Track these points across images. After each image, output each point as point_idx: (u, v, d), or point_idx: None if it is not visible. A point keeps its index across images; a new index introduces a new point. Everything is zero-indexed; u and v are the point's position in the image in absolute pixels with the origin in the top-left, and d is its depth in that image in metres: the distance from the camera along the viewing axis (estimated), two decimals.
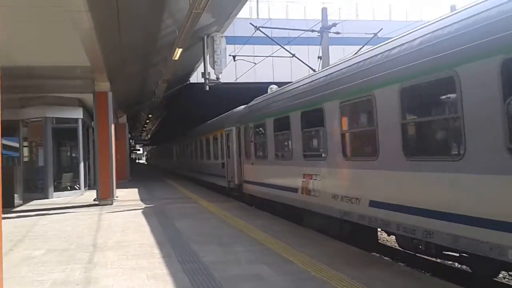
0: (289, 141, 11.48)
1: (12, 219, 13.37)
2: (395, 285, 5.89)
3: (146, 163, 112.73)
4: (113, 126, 17.34)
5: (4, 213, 14.09)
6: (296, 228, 10.41)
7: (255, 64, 22.94)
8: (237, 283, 6.16)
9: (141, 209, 14.88)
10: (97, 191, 16.84)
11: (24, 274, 7.06)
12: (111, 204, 16.43)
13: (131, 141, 65.61)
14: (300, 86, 11.11)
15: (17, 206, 16.48)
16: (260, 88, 18.31)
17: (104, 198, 16.51)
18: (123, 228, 11.09)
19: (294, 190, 11.05)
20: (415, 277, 6.23)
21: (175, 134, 46.31)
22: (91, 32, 10.78)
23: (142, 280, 6.49)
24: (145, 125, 54.94)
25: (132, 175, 36.03)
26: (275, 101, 12.61)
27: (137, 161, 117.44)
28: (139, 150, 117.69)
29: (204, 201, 16.62)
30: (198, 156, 27.17)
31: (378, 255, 7.96)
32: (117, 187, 21.34)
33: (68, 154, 23.03)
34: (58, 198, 19.08)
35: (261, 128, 13.98)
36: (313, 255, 7.57)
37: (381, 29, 18.82)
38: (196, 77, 26.92)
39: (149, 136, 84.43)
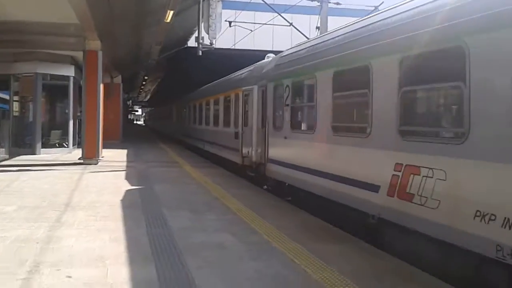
0: (368, 107, 7.07)
1: None
2: (351, 260, 5.91)
3: (144, 125, 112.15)
4: (102, 85, 17.18)
5: None
6: (275, 201, 10.41)
7: (251, 31, 22.55)
8: (197, 251, 6.17)
9: (124, 171, 14.90)
10: (82, 150, 16.83)
11: None
12: (96, 164, 16.44)
13: (128, 102, 65.40)
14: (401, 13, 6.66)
15: (2, 161, 16.51)
16: (259, 56, 18.02)
17: (89, 158, 16.51)
18: (100, 189, 11.12)
19: (371, 187, 6.86)
20: (374, 254, 6.23)
21: (175, 95, 43.37)
22: None
23: (103, 242, 6.51)
24: (142, 87, 54.58)
25: (126, 137, 36.01)
26: (338, 43, 8.26)
27: (135, 122, 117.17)
28: (137, 111, 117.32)
29: (188, 166, 16.63)
30: (203, 122, 22.69)
31: (340, 230, 7.85)
32: (108, 148, 21.41)
33: (59, 111, 22.91)
34: (46, 155, 19.07)
35: (305, 87, 10.14)
36: (280, 227, 7.59)
37: (382, 2, 18.42)
38: (194, 41, 26.62)
39: (148, 97, 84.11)
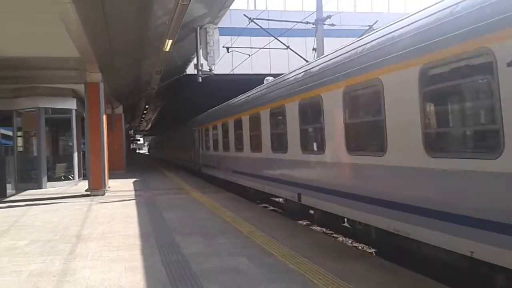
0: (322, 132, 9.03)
1: (2, 209, 13.41)
2: (370, 278, 5.90)
3: (148, 153, 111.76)
4: (105, 117, 17.28)
5: None
6: (285, 221, 10.41)
7: (249, 55, 22.82)
8: (213, 276, 6.16)
9: (132, 199, 14.90)
10: (88, 182, 16.85)
11: (4, 265, 7.09)
12: (103, 195, 16.45)
13: (130, 131, 65.66)
14: None
15: (9, 196, 16.52)
16: (257, 79, 18.23)
17: (96, 189, 16.52)
18: (110, 219, 11.11)
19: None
20: (391, 271, 6.22)
21: (190, 119, 42.43)
22: (77, 23, 10.76)
23: (119, 272, 6.50)
24: (143, 116, 54.82)
25: (130, 166, 36.07)
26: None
27: (137, 151, 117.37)
28: (139, 140, 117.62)
29: (195, 192, 16.63)
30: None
31: (357, 248, 7.93)
32: (113, 178, 21.44)
33: (63, 144, 23.01)
34: (52, 188, 19.10)
35: None
36: (295, 248, 7.58)
37: (377, 21, 18.70)
38: (192, 68, 26.89)
39: (149, 126, 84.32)
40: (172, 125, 42.80)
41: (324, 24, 19.59)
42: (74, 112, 20.86)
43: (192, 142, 26.66)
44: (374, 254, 8.65)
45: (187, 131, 29.07)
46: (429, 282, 5.72)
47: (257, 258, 7.00)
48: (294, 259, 6.89)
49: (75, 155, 21.16)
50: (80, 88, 18.14)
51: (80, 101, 21.09)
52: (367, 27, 18.16)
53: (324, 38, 19.77)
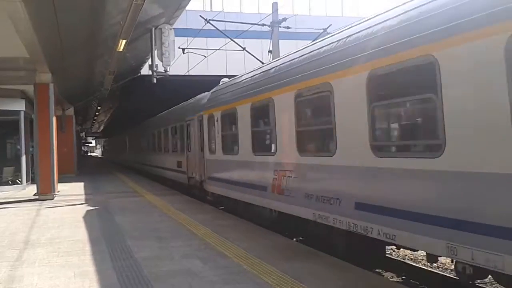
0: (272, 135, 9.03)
1: None
2: (325, 277, 5.96)
3: (101, 156, 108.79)
4: (54, 118, 16.75)
5: None
6: (239, 223, 10.39)
7: (205, 57, 22.71)
8: (166, 279, 6.06)
9: (82, 204, 14.51)
10: (37, 186, 16.29)
11: None
12: (52, 199, 15.93)
13: (81, 134, 64.05)
14: None
15: None
16: (213, 81, 18.10)
17: (45, 193, 15.98)
18: (59, 224, 10.77)
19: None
20: (342, 268, 6.32)
21: (132, 124, 40.16)
22: (26, 22, 10.37)
23: (68, 278, 6.30)
24: (95, 117, 53.51)
25: (81, 170, 35.13)
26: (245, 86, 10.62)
27: (89, 154, 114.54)
28: (91, 143, 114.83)
29: (149, 195, 16.37)
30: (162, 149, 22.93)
31: (308, 247, 8.04)
32: (64, 182, 20.82)
33: (10, 147, 22.15)
34: None
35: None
36: (249, 249, 7.57)
37: (330, 24, 19.00)
38: (147, 69, 26.47)
39: (101, 128, 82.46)
40: (140, 120, 35.99)
41: (280, 27, 19.73)
42: (22, 114, 20.07)
43: (184, 140, 17.09)
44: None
45: (173, 125, 19.69)
46: (378, 278, 5.83)
47: (211, 260, 6.95)
48: (249, 260, 6.88)
49: (23, 158, 20.36)
50: (29, 89, 17.55)
51: (29, 102, 20.35)
52: (322, 31, 18.46)
53: (280, 41, 19.91)
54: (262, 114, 9.57)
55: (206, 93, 15.17)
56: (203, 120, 13.69)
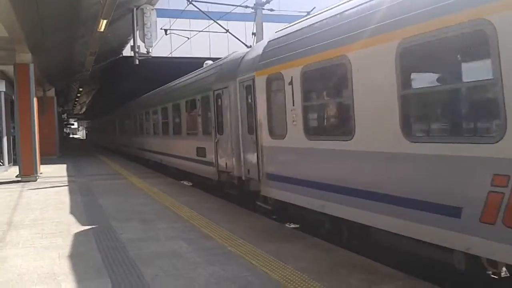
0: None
1: None
2: (306, 257, 6.07)
3: (84, 138, 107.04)
4: (35, 99, 16.54)
5: None
6: (224, 205, 10.45)
7: (188, 38, 22.52)
8: (151, 260, 6.11)
9: (65, 185, 14.42)
10: (19, 167, 16.14)
11: None
12: (35, 181, 15.81)
13: (63, 115, 63.24)
14: None
15: None
16: (196, 63, 18.01)
17: (27, 175, 15.85)
18: (42, 206, 10.72)
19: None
20: (325, 249, 6.43)
21: (118, 105, 36.50)
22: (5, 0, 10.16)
23: (52, 259, 6.30)
24: (77, 99, 52.87)
25: (64, 151, 34.78)
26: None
27: (71, 135, 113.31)
28: (73, 124, 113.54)
29: (133, 177, 16.33)
30: (160, 132, 19.12)
31: (293, 228, 8.19)
32: (46, 164, 20.62)
33: None
34: None
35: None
36: (234, 230, 7.65)
37: (314, 7, 18.95)
38: (129, 50, 26.16)
39: (84, 109, 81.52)
40: (127, 101, 31.84)
41: (263, 9, 19.63)
42: (2, 95, 19.79)
43: (212, 119, 12.19)
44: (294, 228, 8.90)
45: (188, 98, 14.82)
46: (361, 258, 5.96)
47: (196, 242, 7.01)
48: (233, 241, 6.96)
49: (5, 139, 20.13)
50: (9, 69, 17.25)
51: (9, 83, 20.02)
52: (305, 13, 18.41)
53: (264, 23, 19.82)
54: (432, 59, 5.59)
55: (242, 51, 11.49)
56: (256, 85, 8.94)
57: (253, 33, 20.07)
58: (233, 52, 12.19)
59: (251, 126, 9.46)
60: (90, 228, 8.20)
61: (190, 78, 15.45)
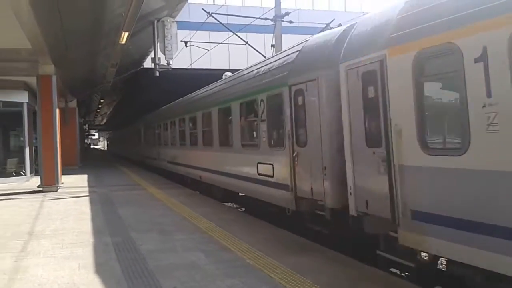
0: None
1: None
2: (326, 271, 6.01)
3: (105, 149, 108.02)
4: (57, 110, 16.80)
5: None
6: (242, 216, 10.44)
7: (207, 50, 22.72)
8: (170, 272, 6.12)
9: (86, 196, 14.58)
10: (41, 178, 16.36)
11: None
12: (56, 191, 16.01)
13: (84, 126, 64.12)
14: None
15: None
16: (216, 74, 18.14)
17: (49, 185, 16.05)
18: (63, 216, 10.84)
19: None
20: (346, 264, 6.36)
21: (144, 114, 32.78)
22: (29, 13, 10.40)
23: (72, 269, 6.35)
24: (98, 110, 53.56)
25: (85, 162, 35.22)
26: None
27: (91, 146, 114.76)
28: (94, 135, 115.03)
29: (152, 188, 16.43)
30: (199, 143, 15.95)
31: (311, 242, 8.06)
32: (67, 174, 20.92)
33: (14, 138, 22.23)
34: (3, 184, 18.39)
35: None
36: (252, 242, 7.62)
37: (333, 19, 18.98)
38: (149, 62, 26.48)
39: (104, 120, 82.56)
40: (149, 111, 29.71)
41: (283, 21, 19.73)
42: (25, 106, 20.15)
43: (285, 126, 9.06)
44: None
45: (244, 99, 11.52)
46: (382, 274, 5.87)
47: (214, 254, 7.00)
48: (252, 253, 6.93)
49: (27, 150, 20.45)
50: (32, 80, 17.57)
51: (32, 94, 20.41)
52: (324, 25, 18.44)
53: (283, 35, 19.92)
54: None
55: (337, 28, 8.57)
56: (389, 69, 5.90)
57: (272, 45, 20.19)
58: (307, 39, 9.05)
59: (374, 134, 6.30)
60: (110, 239, 8.25)
61: (246, 73, 11.75)
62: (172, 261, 6.66)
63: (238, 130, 11.86)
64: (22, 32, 12.33)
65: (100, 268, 6.41)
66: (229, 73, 15.71)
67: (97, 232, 8.90)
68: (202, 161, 15.33)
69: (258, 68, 11.02)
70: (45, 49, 14.42)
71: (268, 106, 9.79)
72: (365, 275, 5.82)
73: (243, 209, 13.58)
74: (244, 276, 5.84)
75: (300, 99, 8.39)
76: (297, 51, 8.92)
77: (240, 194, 12.82)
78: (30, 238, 8.52)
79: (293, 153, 8.53)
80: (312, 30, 19.89)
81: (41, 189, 16.11)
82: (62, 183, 17.44)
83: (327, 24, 18.41)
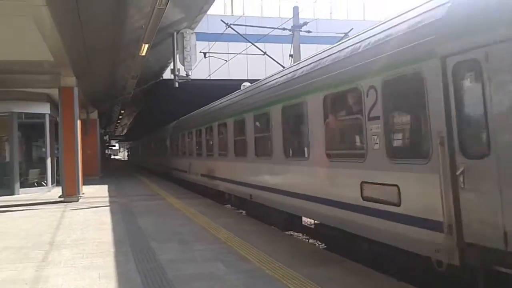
0: None
1: None
2: (346, 283, 5.93)
3: (125, 159, 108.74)
4: (79, 122, 17.05)
5: None
6: (261, 227, 10.39)
7: (226, 61, 22.85)
8: (189, 282, 6.11)
9: (106, 206, 14.70)
10: (62, 188, 16.58)
11: None
12: (77, 201, 16.19)
13: (105, 137, 64.90)
14: None
15: None
16: (235, 85, 18.23)
17: (70, 195, 16.26)
18: (84, 226, 10.94)
19: None
20: (365, 275, 6.27)
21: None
22: (51, 26, 10.60)
23: (93, 279, 6.39)
24: (119, 121, 54.25)
25: (105, 172, 35.60)
26: None
27: (112, 157, 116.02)
28: (114, 146, 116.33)
29: (171, 198, 16.50)
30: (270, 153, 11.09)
31: (329, 252, 7.96)
32: (88, 184, 21.16)
33: (36, 149, 22.58)
34: (25, 195, 18.68)
35: None
36: (271, 253, 7.58)
37: (352, 28, 18.96)
38: (169, 73, 26.76)
39: (125, 131, 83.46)
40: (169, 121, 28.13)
41: (301, 31, 19.76)
42: (47, 117, 20.52)
43: (458, 122, 5.15)
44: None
45: (345, 86, 7.40)
46: (405, 286, 5.78)
47: (233, 264, 6.97)
48: (271, 264, 6.89)
49: (49, 160, 20.78)
50: (54, 92, 17.89)
51: (54, 105, 20.77)
52: (343, 34, 18.41)
53: (301, 45, 19.93)
54: None
55: None
56: None
57: (290, 55, 20.21)
58: None
59: None
60: (130, 249, 8.29)
61: (344, 48, 7.74)
62: (192, 271, 6.66)
63: (320, 135, 8.15)
64: (45, 45, 12.56)
65: (120, 278, 6.43)
66: (247, 83, 15.75)
67: (117, 242, 8.95)
68: (254, 176, 11.85)
69: (353, 44, 7.41)
70: (67, 62, 14.67)
71: (385, 94, 6.33)
72: (386, 286, 5.72)
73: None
74: (263, 287, 5.80)
75: (470, 76, 5.14)
76: (439, 5, 5.62)
77: (314, 221, 10.02)
78: (51, 248, 8.61)
79: (454, 169, 5.11)
80: (330, 40, 19.89)
81: (62, 199, 16.32)
82: (83, 193, 17.65)
83: (346, 33, 18.42)
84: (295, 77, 9.37)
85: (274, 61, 19.30)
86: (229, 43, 27.11)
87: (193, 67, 19.36)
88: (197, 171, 19.24)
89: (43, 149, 21.15)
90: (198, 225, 10.61)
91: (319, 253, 7.74)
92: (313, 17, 27.05)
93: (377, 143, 6.49)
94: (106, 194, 18.92)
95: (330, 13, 34.75)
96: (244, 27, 21.38)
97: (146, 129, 52.18)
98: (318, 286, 5.78)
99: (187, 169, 21.50)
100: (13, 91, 18.64)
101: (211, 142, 16.90)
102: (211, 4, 16.61)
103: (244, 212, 13.46)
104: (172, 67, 19.79)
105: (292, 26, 19.67)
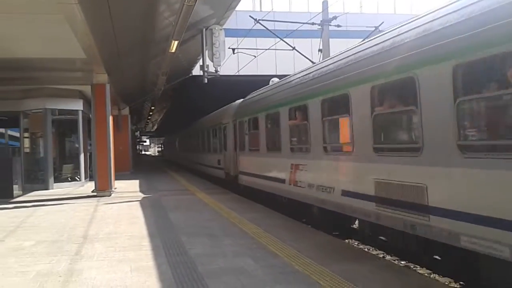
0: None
1: (9, 210, 13.48)
2: (377, 279, 5.87)
3: (156, 155, 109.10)
4: (111, 118, 17.34)
5: (2, 204, 14.27)
6: (290, 223, 10.38)
7: (255, 57, 22.84)
8: (219, 276, 6.16)
9: (138, 200, 14.94)
10: (95, 183, 16.92)
11: (10, 265, 7.11)
12: (109, 196, 16.50)
13: (136, 133, 65.80)
14: None
15: (16, 197, 16.58)
16: (263, 80, 18.21)
17: (102, 190, 16.58)
18: (116, 220, 11.14)
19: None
20: (398, 272, 6.20)
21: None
22: (83, 24, 10.80)
23: (125, 272, 6.50)
24: (149, 117, 54.90)
25: (136, 167, 36.15)
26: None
27: (143, 152, 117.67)
28: (145, 141, 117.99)
29: (201, 193, 16.64)
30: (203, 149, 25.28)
31: (362, 248, 7.87)
32: (120, 179, 21.53)
33: (69, 145, 23.11)
34: (59, 189, 19.16)
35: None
36: (300, 249, 7.56)
37: (382, 22, 18.66)
38: (198, 69, 26.93)
39: (155, 127, 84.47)
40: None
41: (330, 25, 19.59)
42: (80, 113, 20.95)
43: None
44: (381, 256, 8.61)
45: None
46: (438, 284, 5.68)
47: (262, 259, 6.99)
48: (300, 260, 6.87)
49: (82, 156, 21.24)
50: (87, 89, 18.24)
51: (87, 102, 21.19)
52: (373, 28, 18.15)
53: (330, 39, 19.77)
54: None
55: None
56: None
57: (319, 50, 20.06)
58: None
59: None
60: (161, 242, 8.41)
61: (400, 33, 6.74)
62: (221, 266, 6.70)
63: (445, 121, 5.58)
64: (78, 43, 12.81)
65: (151, 271, 6.53)
66: (276, 79, 15.72)
67: (148, 236, 9.09)
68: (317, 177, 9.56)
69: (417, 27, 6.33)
70: (98, 59, 14.93)
71: (458, 80, 5.33)
72: (419, 284, 5.64)
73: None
74: (292, 283, 5.80)
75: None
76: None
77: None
78: (85, 241, 8.80)
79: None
80: (360, 34, 19.65)
81: (95, 194, 16.65)
82: (115, 188, 17.97)
83: (376, 27, 18.15)
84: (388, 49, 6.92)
85: (303, 56, 19.18)
86: (257, 38, 27.07)
87: (222, 63, 19.46)
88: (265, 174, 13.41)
89: (76, 145, 21.62)
90: (227, 220, 10.66)
91: (346, 248, 7.68)
92: (343, 11, 26.81)
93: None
94: (138, 189, 19.22)
95: (360, 6, 34.30)
96: (272, 22, 21.34)
97: (181, 124, 49.03)
98: (349, 282, 5.74)
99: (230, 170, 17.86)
100: (46, 88, 19.11)
101: (258, 136, 13.72)
102: (240, 0, 16.65)
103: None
104: (201, 63, 19.95)
105: (321, 21, 19.52)
